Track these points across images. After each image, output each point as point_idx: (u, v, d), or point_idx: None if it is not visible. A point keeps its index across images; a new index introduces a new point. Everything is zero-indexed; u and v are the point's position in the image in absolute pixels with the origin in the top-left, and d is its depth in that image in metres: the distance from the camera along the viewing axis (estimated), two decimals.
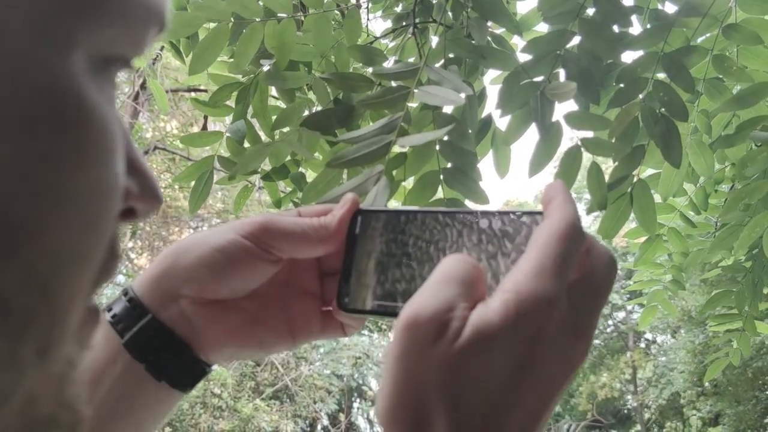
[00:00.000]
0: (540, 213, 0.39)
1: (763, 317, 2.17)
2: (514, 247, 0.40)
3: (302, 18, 1.27)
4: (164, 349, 0.43)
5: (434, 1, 1.36)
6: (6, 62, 0.19)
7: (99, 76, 0.22)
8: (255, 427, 10.47)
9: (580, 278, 0.36)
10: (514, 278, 0.34)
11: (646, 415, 15.31)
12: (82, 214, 0.22)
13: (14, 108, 0.19)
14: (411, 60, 1.37)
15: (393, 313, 0.42)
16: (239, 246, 0.44)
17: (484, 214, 0.42)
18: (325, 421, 13.17)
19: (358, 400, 16.04)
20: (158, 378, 0.42)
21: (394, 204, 1.31)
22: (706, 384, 12.05)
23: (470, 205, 1.07)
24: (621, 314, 16.21)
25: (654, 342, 16.87)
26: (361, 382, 15.77)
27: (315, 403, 12.12)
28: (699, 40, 1.22)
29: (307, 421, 12.43)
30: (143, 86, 7.16)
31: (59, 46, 0.20)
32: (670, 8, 1.21)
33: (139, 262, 9.54)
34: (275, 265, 0.45)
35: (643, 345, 16.77)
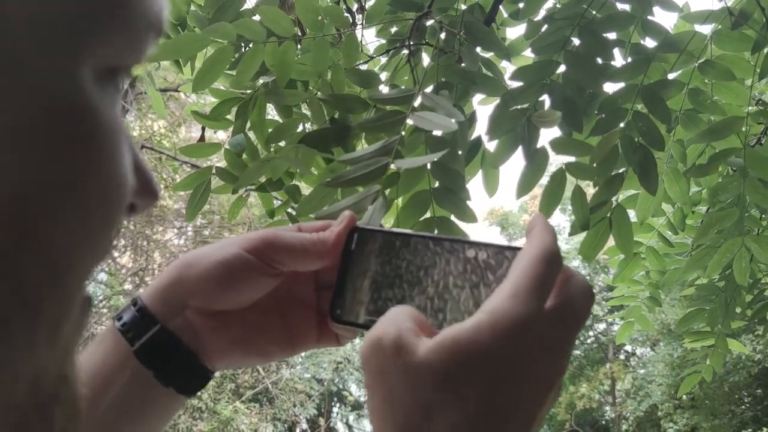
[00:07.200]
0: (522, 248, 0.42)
1: (738, 334, 2.24)
2: (496, 279, 0.42)
3: (300, 38, 1.33)
4: (172, 357, 0.45)
5: (427, 24, 1.42)
6: (22, 75, 0.21)
7: (104, 83, 0.24)
8: (234, 430, 10.43)
9: (557, 304, 0.38)
10: (490, 301, 0.36)
11: (624, 427, 15.43)
12: (93, 208, 0.24)
13: (29, 117, 0.21)
14: (404, 79, 1.43)
15: None
16: (243, 260, 0.46)
17: (472, 244, 0.44)
18: (305, 425, 13.15)
19: (337, 404, 16.00)
20: (166, 384, 0.45)
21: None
22: (684, 397, 12.18)
23: (459, 223, 1.12)
24: (602, 326, 16.32)
25: (633, 354, 17.00)
26: (341, 386, 15.73)
27: (295, 406, 12.09)
28: (676, 74, 1.28)
29: (286, 425, 12.40)
30: (132, 85, 7.17)
31: (69, 61, 0.22)
32: (651, 42, 1.28)
33: (122, 261, 9.50)
34: (276, 278, 0.48)
35: (622, 357, 16.91)
